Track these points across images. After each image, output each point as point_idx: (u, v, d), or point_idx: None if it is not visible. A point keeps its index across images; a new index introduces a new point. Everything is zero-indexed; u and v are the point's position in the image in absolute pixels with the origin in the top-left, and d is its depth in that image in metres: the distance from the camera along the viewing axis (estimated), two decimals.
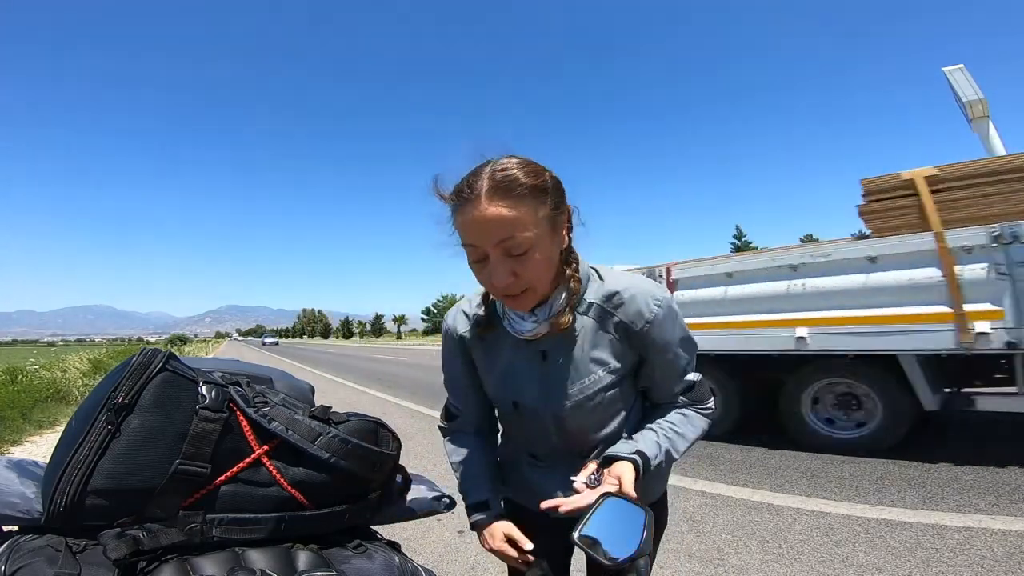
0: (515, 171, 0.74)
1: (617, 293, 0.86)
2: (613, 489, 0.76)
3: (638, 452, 0.83)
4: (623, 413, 0.94)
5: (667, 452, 0.87)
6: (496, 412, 1.08)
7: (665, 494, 1.06)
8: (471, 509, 0.97)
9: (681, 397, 0.93)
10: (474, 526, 0.96)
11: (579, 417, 0.91)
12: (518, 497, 1.06)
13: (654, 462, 0.84)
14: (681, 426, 0.91)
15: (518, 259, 0.76)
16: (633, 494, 0.75)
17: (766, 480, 3.45)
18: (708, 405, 0.95)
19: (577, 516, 0.74)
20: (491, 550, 0.92)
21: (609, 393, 0.90)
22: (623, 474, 0.78)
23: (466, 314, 0.97)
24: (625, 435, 0.93)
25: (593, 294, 0.88)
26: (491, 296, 0.91)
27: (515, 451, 1.05)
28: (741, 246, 24.80)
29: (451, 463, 1.05)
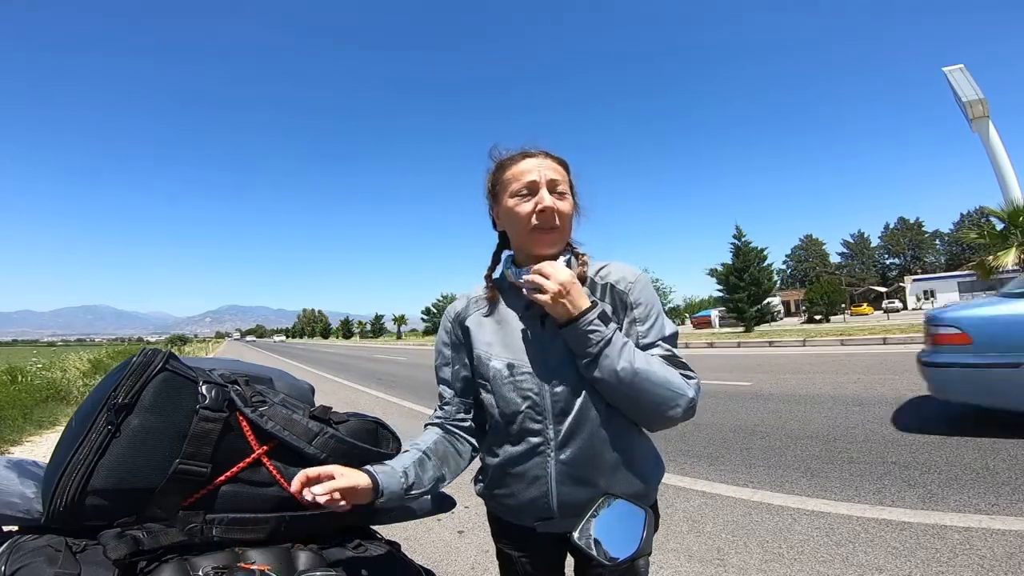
0: (556, 160, 1.02)
1: (604, 266, 1.03)
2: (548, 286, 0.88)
3: (601, 312, 0.91)
4: None
5: (625, 349, 0.89)
6: (480, 408, 1.05)
7: (655, 505, 1.03)
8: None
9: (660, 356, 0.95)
10: None
11: (569, 376, 0.93)
12: (507, 515, 1.03)
13: (602, 330, 0.88)
14: (652, 360, 0.91)
15: (559, 197, 0.98)
16: (542, 279, 0.89)
17: (766, 480, 3.45)
18: (689, 373, 0.94)
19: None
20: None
21: None
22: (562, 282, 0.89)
23: (467, 297, 1.10)
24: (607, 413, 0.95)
25: (589, 272, 1.03)
26: (495, 272, 1.08)
27: (498, 444, 1.00)
28: (741, 246, 24.76)
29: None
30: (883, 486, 3.15)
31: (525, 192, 0.97)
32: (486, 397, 1.00)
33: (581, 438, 0.92)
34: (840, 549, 2.40)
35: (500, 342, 0.99)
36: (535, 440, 0.94)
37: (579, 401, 0.93)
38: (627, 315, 0.97)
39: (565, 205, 0.98)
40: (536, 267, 0.92)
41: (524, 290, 0.95)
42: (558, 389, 0.93)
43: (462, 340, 1.05)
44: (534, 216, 0.95)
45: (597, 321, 0.89)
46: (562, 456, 0.93)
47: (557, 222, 0.97)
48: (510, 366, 0.97)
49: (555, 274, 0.89)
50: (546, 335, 0.96)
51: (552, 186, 0.97)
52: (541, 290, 0.89)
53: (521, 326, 0.99)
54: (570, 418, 0.93)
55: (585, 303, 0.90)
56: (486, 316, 1.04)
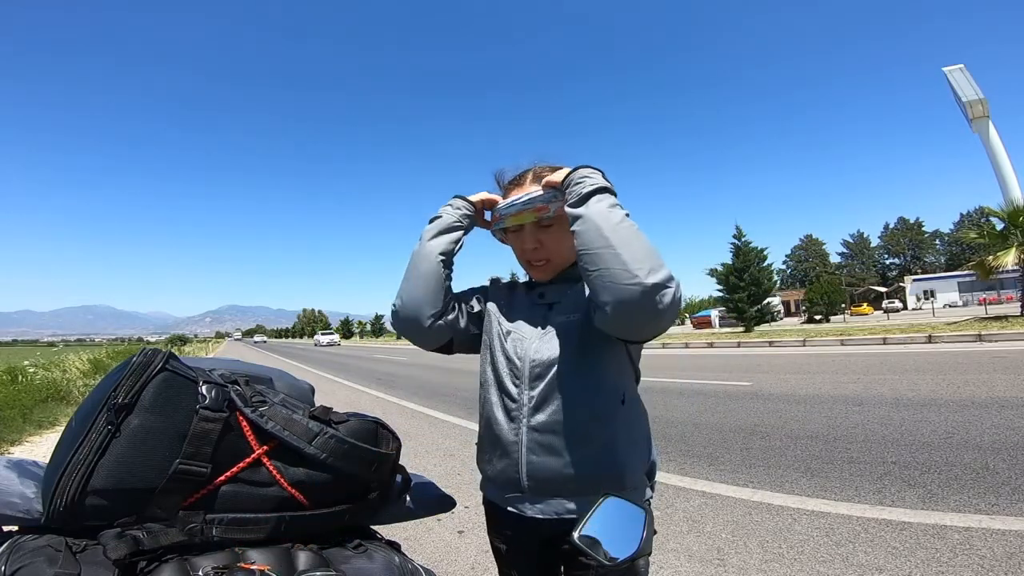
0: (551, 171, 1.04)
1: None
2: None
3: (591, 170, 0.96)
4: (608, 364, 0.98)
5: (617, 207, 0.90)
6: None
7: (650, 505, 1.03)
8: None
9: None
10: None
11: (552, 349, 0.98)
12: (489, 492, 1.07)
13: (603, 182, 0.93)
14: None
15: (545, 230, 1.02)
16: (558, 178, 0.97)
17: (766, 480, 3.45)
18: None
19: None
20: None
21: (593, 332, 0.95)
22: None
23: (492, 280, 1.21)
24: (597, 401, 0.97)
25: None
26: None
27: (485, 408, 1.05)
28: (741, 246, 24.76)
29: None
30: (883, 486, 3.15)
31: (514, 230, 1.06)
32: (483, 355, 1.09)
33: (553, 405, 0.95)
34: (840, 549, 2.41)
35: (507, 312, 1.10)
36: (511, 404, 0.99)
37: (555, 371, 0.96)
38: None
39: (551, 235, 1.03)
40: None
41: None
42: (537, 357, 0.98)
43: (483, 298, 1.15)
44: (524, 254, 1.06)
45: (599, 176, 0.95)
46: (533, 421, 0.96)
47: (545, 256, 1.04)
48: (508, 332, 1.05)
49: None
50: (547, 317, 1.04)
51: (537, 221, 1.02)
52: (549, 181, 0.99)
53: (528, 307, 1.08)
54: (543, 383, 0.96)
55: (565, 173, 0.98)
56: (505, 294, 1.15)
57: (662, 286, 0.81)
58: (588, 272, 0.87)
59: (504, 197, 1.10)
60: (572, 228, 0.90)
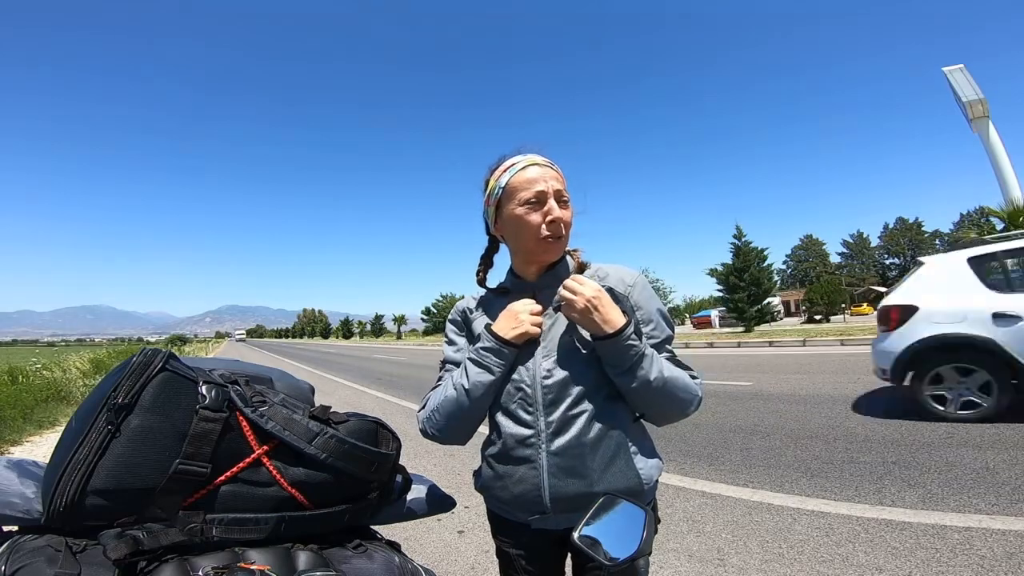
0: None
1: (601, 267, 1.07)
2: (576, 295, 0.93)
3: (634, 325, 0.95)
4: (602, 376, 0.97)
5: (656, 360, 0.94)
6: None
7: (655, 503, 1.04)
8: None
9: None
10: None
11: (560, 369, 0.96)
12: (502, 511, 1.05)
13: (638, 345, 0.92)
14: (673, 367, 0.97)
15: (563, 206, 1.00)
16: (579, 293, 0.92)
17: (766, 480, 3.45)
18: (694, 373, 1.01)
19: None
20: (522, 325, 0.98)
21: (589, 347, 0.97)
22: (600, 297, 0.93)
23: (473, 297, 1.15)
24: (604, 399, 0.97)
25: (587, 272, 1.07)
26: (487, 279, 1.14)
27: (492, 437, 1.03)
28: (741, 246, 24.76)
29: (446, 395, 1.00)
30: (883, 486, 3.15)
31: (534, 201, 0.98)
32: None
33: (572, 429, 0.94)
34: (840, 549, 2.40)
35: None
36: (527, 431, 0.96)
37: (569, 393, 0.95)
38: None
39: (568, 214, 1.02)
40: (564, 283, 0.96)
41: (553, 308, 1.00)
42: (548, 381, 0.96)
43: (466, 332, 1.10)
44: (544, 227, 0.98)
45: (634, 336, 0.92)
46: (553, 447, 0.94)
47: (564, 231, 1.01)
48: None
49: (582, 289, 0.93)
50: (545, 330, 1.00)
51: (558, 196, 1.00)
52: (572, 306, 0.93)
53: None
54: (560, 409, 0.95)
55: (620, 318, 0.93)
56: (483, 314, 1.09)
57: (696, 409, 0.99)
58: (646, 412, 0.99)
59: (495, 178, 1.03)
60: (629, 386, 0.94)
